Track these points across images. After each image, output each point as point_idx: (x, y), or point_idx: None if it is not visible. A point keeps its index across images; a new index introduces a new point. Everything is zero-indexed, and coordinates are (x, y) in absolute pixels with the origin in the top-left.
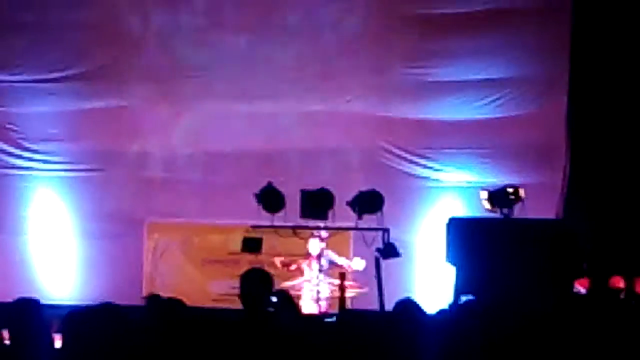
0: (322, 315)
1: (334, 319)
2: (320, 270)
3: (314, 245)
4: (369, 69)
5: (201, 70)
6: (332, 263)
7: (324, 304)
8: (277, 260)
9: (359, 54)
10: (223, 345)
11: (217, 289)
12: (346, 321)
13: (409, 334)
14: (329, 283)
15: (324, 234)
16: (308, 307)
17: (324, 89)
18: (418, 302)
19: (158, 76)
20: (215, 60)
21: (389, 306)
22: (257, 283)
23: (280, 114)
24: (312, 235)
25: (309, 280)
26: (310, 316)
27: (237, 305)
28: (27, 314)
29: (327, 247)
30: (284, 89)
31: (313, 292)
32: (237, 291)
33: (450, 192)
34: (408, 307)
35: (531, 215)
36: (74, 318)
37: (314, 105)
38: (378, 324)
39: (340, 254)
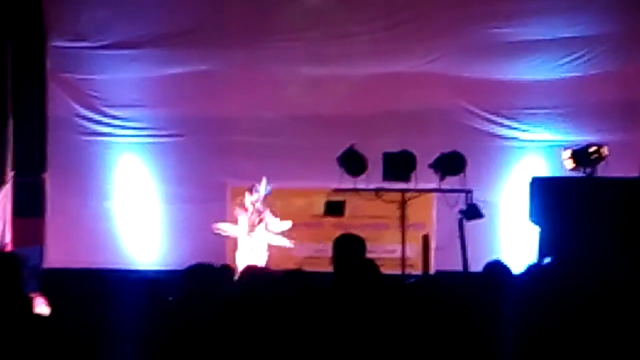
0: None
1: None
2: (253, 225)
3: (247, 198)
4: (450, 30)
5: (283, 34)
6: (261, 220)
7: (262, 257)
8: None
9: (439, 15)
10: (316, 309)
11: (302, 252)
12: (434, 282)
13: (497, 296)
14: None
15: (263, 189)
16: (242, 259)
17: (405, 51)
18: (507, 264)
19: (240, 40)
20: (297, 23)
21: (473, 268)
22: (350, 247)
23: (361, 77)
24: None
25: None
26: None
27: (321, 268)
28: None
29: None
30: (365, 51)
31: (247, 245)
32: (320, 254)
33: (533, 151)
34: (497, 269)
35: (614, 173)
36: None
37: (394, 67)
38: (466, 285)
39: (422, 216)
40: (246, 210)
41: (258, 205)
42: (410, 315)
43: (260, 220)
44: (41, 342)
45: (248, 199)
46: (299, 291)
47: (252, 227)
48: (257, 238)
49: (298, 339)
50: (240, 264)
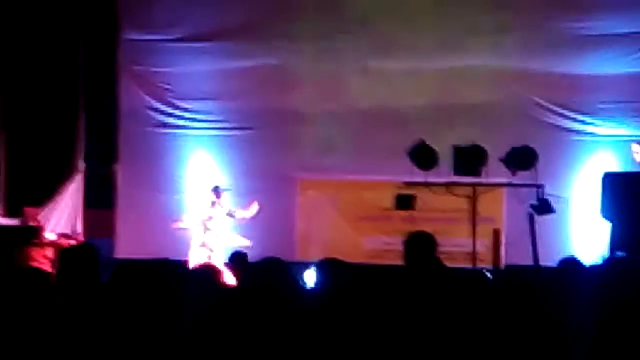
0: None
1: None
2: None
3: (210, 196)
4: (521, 23)
5: (352, 26)
6: (229, 214)
7: (216, 254)
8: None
9: (509, 8)
10: (392, 304)
11: (370, 245)
12: (508, 277)
13: (572, 290)
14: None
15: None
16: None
17: (475, 44)
18: (582, 261)
19: (310, 33)
20: (367, 17)
21: (543, 263)
22: (422, 245)
23: (432, 70)
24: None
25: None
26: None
27: (390, 260)
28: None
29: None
30: (435, 45)
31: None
32: (389, 247)
33: (605, 146)
34: (572, 264)
35: None
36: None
37: (465, 61)
38: (540, 280)
39: (493, 211)
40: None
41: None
42: (485, 309)
43: (229, 214)
44: (117, 332)
45: (210, 197)
46: (375, 285)
47: (209, 220)
48: (212, 235)
49: (376, 332)
50: (193, 260)
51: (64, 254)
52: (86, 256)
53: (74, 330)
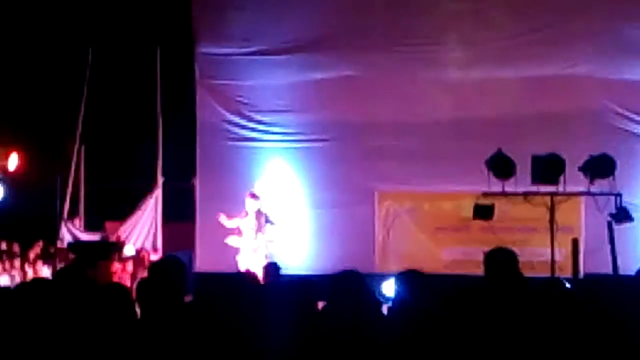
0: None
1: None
2: (257, 228)
3: (250, 204)
4: (597, 31)
5: (428, 38)
6: (267, 221)
7: (261, 261)
8: (222, 218)
9: (586, 17)
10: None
11: (449, 256)
12: (587, 286)
13: None
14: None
15: (258, 192)
16: (246, 264)
17: (551, 54)
18: None
19: (385, 44)
20: (441, 27)
21: (622, 272)
22: (502, 261)
23: (508, 80)
24: (248, 194)
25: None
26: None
27: (469, 271)
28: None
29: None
30: (510, 54)
31: (250, 249)
32: (467, 257)
33: None
34: None
35: None
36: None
37: (541, 70)
38: (620, 289)
39: (571, 220)
40: (246, 214)
41: (261, 209)
42: (564, 319)
43: (268, 221)
44: (201, 345)
45: (250, 204)
46: (456, 299)
47: (258, 230)
48: (262, 241)
49: (457, 345)
50: (243, 268)
51: (153, 267)
52: (174, 269)
53: (157, 344)
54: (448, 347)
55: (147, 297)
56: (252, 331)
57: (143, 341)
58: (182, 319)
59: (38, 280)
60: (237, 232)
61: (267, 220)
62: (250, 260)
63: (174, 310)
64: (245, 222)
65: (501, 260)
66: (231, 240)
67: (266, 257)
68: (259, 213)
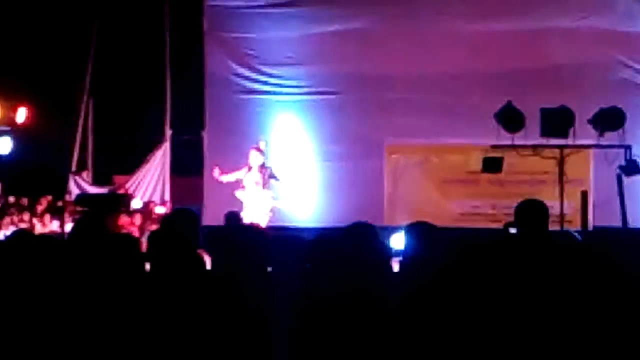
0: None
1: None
2: (262, 183)
3: (254, 158)
4: None
5: None
6: (271, 177)
7: (266, 216)
8: (216, 173)
9: None
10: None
11: (457, 208)
12: (596, 238)
13: None
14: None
15: (262, 146)
16: (250, 217)
17: (560, 5)
18: None
19: None
20: None
21: (632, 224)
22: (534, 212)
23: (517, 32)
24: (252, 148)
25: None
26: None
27: (477, 224)
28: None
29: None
30: (521, 7)
31: (254, 204)
32: (476, 210)
33: None
34: None
35: None
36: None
37: (549, 23)
38: (630, 240)
39: (580, 172)
40: (250, 169)
41: (265, 163)
42: (575, 272)
43: (271, 177)
44: (211, 297)
45: (254, 158)
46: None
47: (263, 185)
48: (266, 196)
49: (472, 298)
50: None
51: (167, 219)
52: (188, 221)
53: (168, 294)
54: (462, 301)
55: (159, 248)
56: (261, 289)
57: (152, 295)
58: (193, 273)
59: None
60: (241, 186)
61: (270, 175)
62: (255, 214)
63: (186, 263)
64: (249, 177)
65: (535, 212)
66: (239, 194)
67: (272, 211)
68: (262, 167)
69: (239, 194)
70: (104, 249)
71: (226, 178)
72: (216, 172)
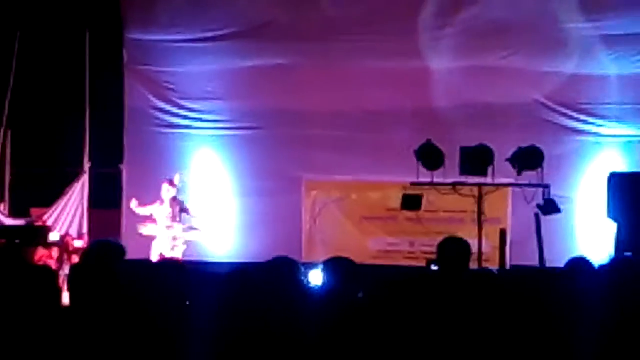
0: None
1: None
2: (172, 216)
3: (165, 191)
4: (527, 25)
5: (359, 28)
6: (183, 210)
7: (179, 249)
8: (133, 204)
9: (515, 10)
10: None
11: (376, 246)
12: (515, 277)
13: (579, 292)
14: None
15: (176, 179)
16: (161, 251)
17: (481, 46)
18: (591, 261)
19: (316, 35)
20: (370, 19)
21: (549, 263)
22: (457, 250)
23: (437, 72)
24: (164, 181)
25: (168, 226)
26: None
27: (395, 261)
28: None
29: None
30: (441, 46)
31: (166, 237)
32: (394, 248)
33: (611, 147)
34: (581, 265)
35: None
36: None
37: (471, 62)
38: (548, 280)
39: (499, 211)
40: (162, 202)
41: (177, 196)
42: (494, 309)
43: (183, 210)
44: (129, 329)
45: (166, 192)
46: (391, 285)
47: (173, 218)
48: (177, 229)
49: (385, 331)
50: (157, 256)
51: (89, 250)
52: (111, 255)
53: (83, 329)
54: (379, 336)
55: (81, 282)
56: (179, 322)
57: (69, 329)
58: (113, 307)
59: None
60: (152, 220)
61: (182, 209)
62: (166, 248)
63: (108, 298)
64: (161, 210)
65: (457, 249)
66: (145, 229)
67: (185, 244)
68: (173, 200)
69: (145, 229)
70: (22, 281)
71: (142, 211)
72: (133, 203)
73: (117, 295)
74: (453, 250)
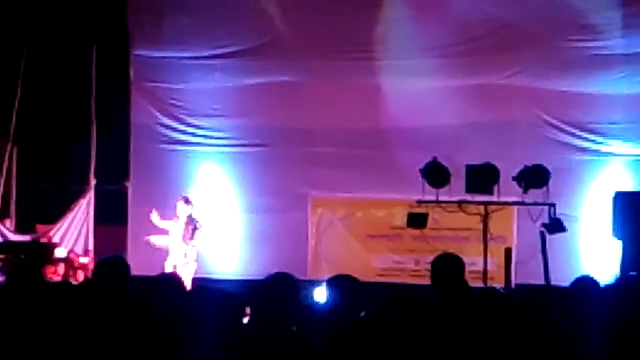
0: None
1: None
2: (186, 236)
3: (181, 208)
4: (532, 43)
5: (364, 46)
6: (196, 229)
7: (192, 267)
8: (154, 216)
9: (521, 28)
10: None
11: (381, 264)
12: (520, 296)
13: (585, 311)
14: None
15: (191, 197)
16: (172, 266)
17: (487, 64)
18: (597, 280)
19: (322, 52)
20: (376, 36)
21: (554, 282)
22: (450, 266)
23: (444, 89)
24: (180, 198)
25: (183, 243)
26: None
27: (400, 279)
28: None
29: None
30: (446, 64)
31: (178, 254)
32: (399, 266)
33: (617, 165)
34: (587, 284)
35: None
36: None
37: (476, 80)
38: (553, 299)
39: (504, 229)
40: (178, 219)
41: (192, 215)
42: (499, 328)
43: (195, 228)
44: (133, 345)
45: (182, 209)
46: (392, 305)
47: (185, 237)
48: (191, 247)
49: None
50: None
51: (100, 265)
52: (118, 270)
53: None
54: (379, 354)
55: (88, 297)
56: (175, 339)
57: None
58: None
59: None
60: (167, 234)
61: (195, 227)
62: (178, 264)
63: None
64: (176, 227)
65: (449, 267)
66: (155, 239)
67: (197, 261)
68: (189, 219)
69: (155, 239)
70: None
71: (160, 224)
72: (154, 215)
73: (123, 314)
74: (442, 266)
